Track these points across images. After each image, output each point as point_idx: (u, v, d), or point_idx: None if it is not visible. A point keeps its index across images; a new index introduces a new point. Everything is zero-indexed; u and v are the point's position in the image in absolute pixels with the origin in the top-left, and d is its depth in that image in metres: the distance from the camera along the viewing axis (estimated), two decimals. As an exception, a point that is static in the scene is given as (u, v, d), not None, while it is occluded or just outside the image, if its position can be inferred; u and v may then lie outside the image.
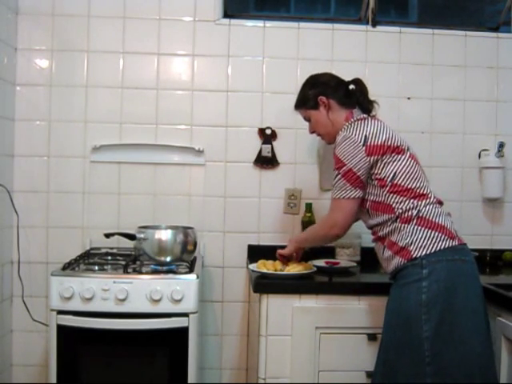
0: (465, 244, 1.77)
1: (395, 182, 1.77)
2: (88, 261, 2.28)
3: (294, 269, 2.08)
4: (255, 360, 2.10)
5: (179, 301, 1.98)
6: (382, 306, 1.82)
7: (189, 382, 2.01)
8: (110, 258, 2.34)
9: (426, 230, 1.72)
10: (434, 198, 1.81)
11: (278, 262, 2.14)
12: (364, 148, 1.77)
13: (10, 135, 2.47)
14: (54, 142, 2.51)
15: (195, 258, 2.33)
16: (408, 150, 1.83)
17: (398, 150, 1.79)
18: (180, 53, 2.56)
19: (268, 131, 2.55)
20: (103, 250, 2.42)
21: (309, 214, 2.48)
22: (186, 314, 2.00)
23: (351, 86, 1.96)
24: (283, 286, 2.03)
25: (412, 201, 1.76)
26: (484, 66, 2.64)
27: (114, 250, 2.43)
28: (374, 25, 2.62)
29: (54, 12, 2.50)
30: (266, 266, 2.10)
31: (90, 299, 1.97)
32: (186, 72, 2.56)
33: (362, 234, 2.40)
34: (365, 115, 1.92)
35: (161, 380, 2.02)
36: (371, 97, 1.98)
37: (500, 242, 2.62)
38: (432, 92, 2.62)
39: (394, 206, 1.77)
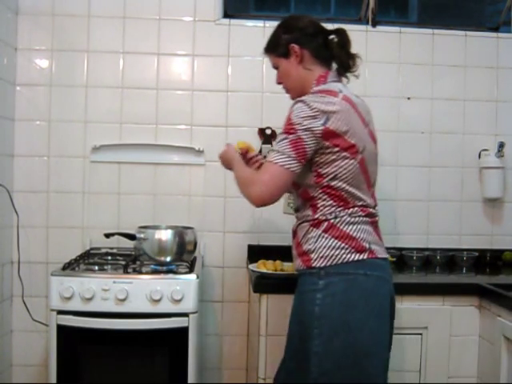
0: (378, 258, 1.59)
1: (332, 184, 1.57)
2: (88, 261, 2.28)
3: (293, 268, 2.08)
4: (255, 360, 2.09)
5: (179, 301, 1.98)
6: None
7: (189, 382, 2.01)
8: (109, 258, 2.35)
9: (332, 240, 1.57)
10: (364, 206, 1.62)
11: (278, 262, 2.14)
12: (322, 128, 1.53)
13: (10, 135, 2.47)
14: (54, 142, 2.51)
15: (195, 258, 2.33)
16: (363, 151, 1.59)
17: (351, 149, 1.56)
18: (180, 53, 2.56)
19: (268, 131, 2.55)
20: (103, 250, 2.42)
21: (309, 214, 2.48)
22: (185, 314, 2.00)
23: (331, 36, 1.71)
24: (283, 286, 2.02)
25: (337, 208, 1.58)
26: (484, 66, 2.64)
27: (114, 250, 2.43)
28: (374, 25, 2.62)
29: (54, 12, 2.50)
30: (266, 266, 2.10)
31: (90, 299, 1.97)
32: (186, 72, 2.56)
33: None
34: (338, 81, 1.69)
35: (161, 380, 2.02)
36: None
37: (500, 241, 2.62)
38: (432, 92, 2.62)
39: (319, 207, 1.60)
